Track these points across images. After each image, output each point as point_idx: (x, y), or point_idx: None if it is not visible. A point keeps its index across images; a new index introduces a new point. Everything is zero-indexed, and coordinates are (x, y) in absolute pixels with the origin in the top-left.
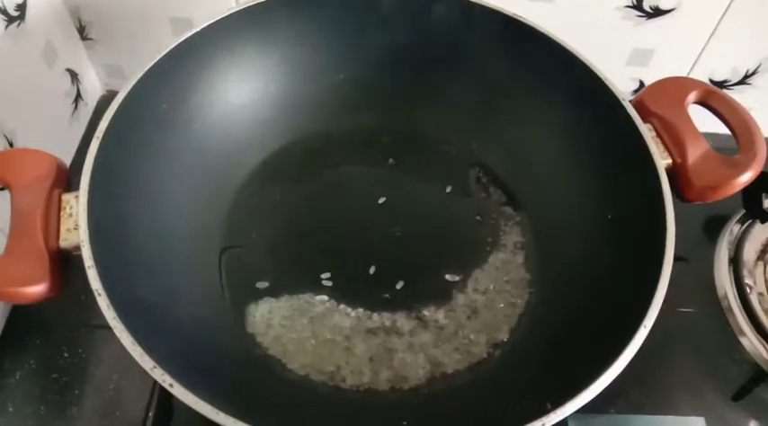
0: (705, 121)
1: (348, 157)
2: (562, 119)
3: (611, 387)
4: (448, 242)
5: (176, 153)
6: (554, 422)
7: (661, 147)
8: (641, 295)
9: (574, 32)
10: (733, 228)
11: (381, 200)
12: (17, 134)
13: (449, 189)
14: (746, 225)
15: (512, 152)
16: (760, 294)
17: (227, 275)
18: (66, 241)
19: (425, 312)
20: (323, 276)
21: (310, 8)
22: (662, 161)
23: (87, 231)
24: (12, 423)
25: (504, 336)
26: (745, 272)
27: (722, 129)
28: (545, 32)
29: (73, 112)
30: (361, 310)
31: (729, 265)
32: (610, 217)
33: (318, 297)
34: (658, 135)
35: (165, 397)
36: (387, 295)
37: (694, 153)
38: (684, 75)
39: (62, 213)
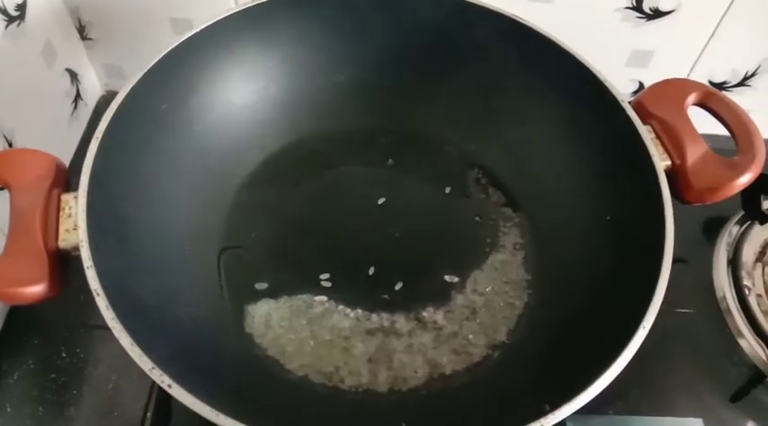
0: (704, 123)
1: (348, 158)
2: (561, 121)
3: (609, 388)
4: (447, 242)
5: (176, 153)
6: (552, 424)
7: (660, 149)
8: (640, 296)
9: (573, 33)
10: (732, 230)
11: (381, 201)
12: (16, 134)
13: (448, 189)
14: (745, 226)
15: (511, 153)
16: (758, 295)
17: (226, 275)
18: (65, 241)
19: (424, 313)
20: (322, 277)
21: (310, 8)
22: (661, 162)
23: (86, 231)
24: (10, 423)
25: (502, 337)
26: (743, 274)
27: (721, 131)
28: (544, 34)
29: (72, 112)
30: (360, 311)
31: (728, 266)
32: (609, 218)
33: (317, 298)
34: (658, 136)
35: (164, 398)
36: (386, 296)
37: (693, 154)
38: (684, 76)
39: (61, 213)
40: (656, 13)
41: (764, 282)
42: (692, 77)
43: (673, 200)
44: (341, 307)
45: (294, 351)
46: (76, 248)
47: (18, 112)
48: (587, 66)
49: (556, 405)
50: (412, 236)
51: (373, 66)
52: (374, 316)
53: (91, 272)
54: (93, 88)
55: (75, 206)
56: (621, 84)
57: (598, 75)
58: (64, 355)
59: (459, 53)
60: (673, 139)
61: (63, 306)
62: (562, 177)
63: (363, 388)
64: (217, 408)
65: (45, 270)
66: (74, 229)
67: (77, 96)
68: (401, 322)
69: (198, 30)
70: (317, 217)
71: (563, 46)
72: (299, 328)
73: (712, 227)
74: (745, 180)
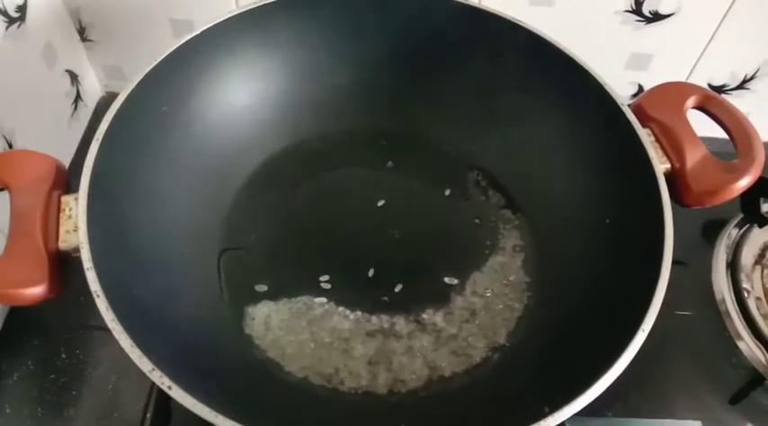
0: (703, 126)
1: (347, 159)
2: (561, 123)
3: (608, 390)
4: (447, 244)
5: (176, 154)
6: None
7: (660, 152)
8: (640, 298)
9: (573, 36)
10: (731, 232)
11: (380, 203)
12: (17, 135)
13: (448, 192)
14: (744, 229)
15: (511, 155)
16: (757, 298)
17: (226, 277)
18: (65, 242)
19: (424, 315)
20: (322, 278)
21: (310, 10)
22: (660, 166)
23: (86, 233)
24: (9, 424)
25: (502, 339)
26: (742, 277)
27: (720, 134)
28: (544, 36)
29: (72, 113)
30: (359, 313)
31: (727, 269)
32: (608, 221)
33: (317, 300)
34: (657, 140)
35: (163, 399)
36: (385, 297)
37: (693, 158)
38: (683, 79)
39: (61, 215)
40: (656, 17)
41: (763, 285)
42: (692, 80)
43: (672, 203)
44: (341, 309)
45: (294, 353)
46: (77, 249)
47: (18, 113)
48: (587, 68)
49: (555, 407)
50: (412, 238)
51: (373, 67)
52: (374, 318)
53: (91, 274)
54: (93, 89)
55: (76, 207)
56: (621, 87)
57: (597, 77)
58: (63, 356)
59: (459, 54)
60: (672, 142)
61: (63, 308)
62: (562, 180)
63: (363, 390)
64: (216, 409)
65: (45, 272)
66: (74, 231)
67: (77, 97)
68: (401, 323)
69: (198, 32)
70: (317, 218)
71: (563, 49)
72: (299, 330)
73: (711, 230)
74: (744, 183)
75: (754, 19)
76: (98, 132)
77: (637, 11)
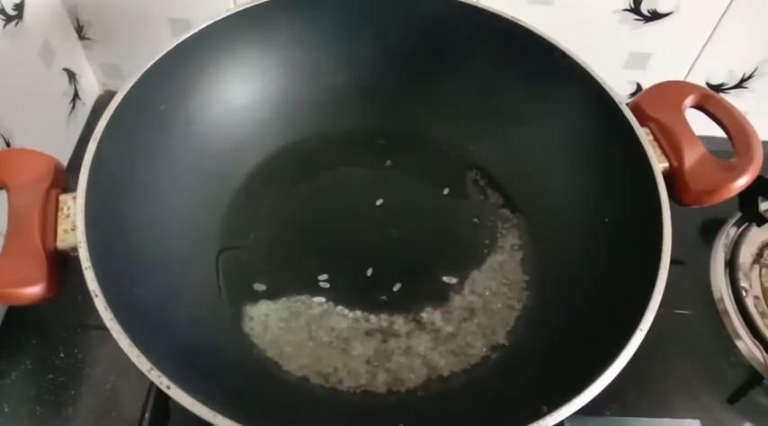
0: (702, 125)
1: (346, 159)
2: (559, 122)
3: (607, 390)
4: (445, 243)
5: (174, 153)
6: (551, 425)
7: (658, 151)
8: (638, 297)
9: (572, 35)
10: (729, 231)
11: (379, 202)
12: (14, 134)
13: (446, 191)
14: (742, 228)
15: (509, 154)
16: (756, 297)
17: (224, 276)
18: (63, 242)
19: (423, 314)
20: (320, 277)
21: (309, 9)
22: (659, 165)
23: (85, 232)
24: (8, 424)
25: (500, 338)
26: (740, 275)
27: (719, 133)
28: (543, 35)
29: (70, 112)
30: (358, 312)
31: (725, 268)
32: (607, 220)
33: (316, 299)
34: (655, 138)
35: (162, 398)
36: (384, 297)
37: (691, 157)
38: (681, 78)
39: (59, 214)
40: (654, 15)
41: (761, 284)
42: (690, 79)
43: (670, 202)
44: (339, 308)
45: (292, 352)
46: (75, 249)
47: (16, 112)
48: (585, 67)
49: (554, 407)
50: (410, 237)
51: (372, 66)
52: (373, 317)
53: (89, 273)
54: (91, 88)
55: (74, 206)
56: (619, 86)
57: (596, 76)
58: (62, 355)
59: (457, 54)
60: (670, 141)
61: (61, 307)
62: (560, 178)
63: (362, 389)
64: (215, 409)
65: (43, 271)
66: (72, 230)
67: (75, 96)
68: (399, 323)
69: (196, 30)
70: (316, 217)
71: (561, 48)
72: (298, 329)
73: (710, 229)
74: (742, 182)
75: (753, 18)
76: (96, 131)
77: (635, 10)
